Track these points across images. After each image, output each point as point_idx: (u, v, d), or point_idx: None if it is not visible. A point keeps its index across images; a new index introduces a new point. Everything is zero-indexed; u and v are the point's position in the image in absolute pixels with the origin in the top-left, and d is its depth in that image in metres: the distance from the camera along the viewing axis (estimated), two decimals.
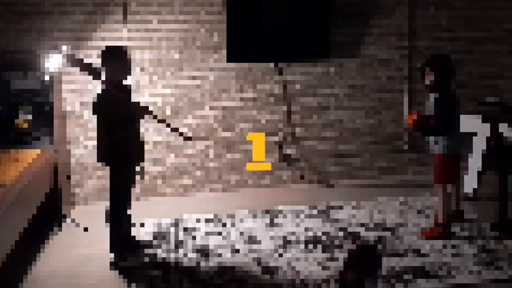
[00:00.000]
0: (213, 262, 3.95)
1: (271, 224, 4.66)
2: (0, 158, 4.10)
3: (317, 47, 5.54)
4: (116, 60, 3.87)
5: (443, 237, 4.22)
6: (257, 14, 5.43)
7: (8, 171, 3.72)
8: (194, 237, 4.41)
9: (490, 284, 3.58)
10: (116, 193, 3.96)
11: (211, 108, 5.61)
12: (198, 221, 4.78)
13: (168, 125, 4.12)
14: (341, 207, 5.06)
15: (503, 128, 4.61)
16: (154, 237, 4.42)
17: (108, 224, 4.00)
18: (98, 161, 4.01)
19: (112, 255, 4.01)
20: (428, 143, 4.37)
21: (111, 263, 3.94)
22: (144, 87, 5.43)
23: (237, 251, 4.14)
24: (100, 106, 3.82)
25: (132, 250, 4.11)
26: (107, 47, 4.01)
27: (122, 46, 4.08)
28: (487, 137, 4.84)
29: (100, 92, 3.89)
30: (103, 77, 3.84)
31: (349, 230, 4.50)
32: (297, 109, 5.75)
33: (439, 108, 4.14)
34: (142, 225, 4.57)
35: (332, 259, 3.94)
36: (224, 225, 4.68)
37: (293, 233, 4.45)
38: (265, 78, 5.67)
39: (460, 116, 5.07)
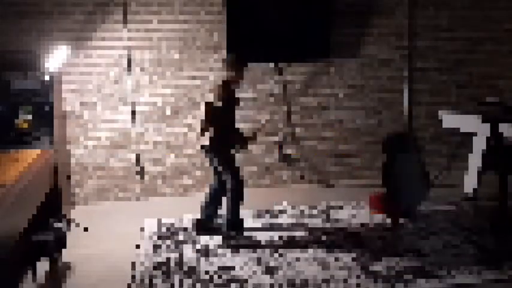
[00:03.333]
0: (213, 262, 3.95)
1: (271, 224, 4.66)
2: (0, 158, 4.10)
3: (317, 47, 5.53)
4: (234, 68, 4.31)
5: None
6: (257, 14, 5.43)
7: (8, 171, 3.72)
8: (194, 237, 4.41)
9: (490, 284, 3.57)
10: (233, 177, 4.28)
11: None
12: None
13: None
14: (341, 207, 5.06)
15: (503, 128, 4.61)
16: (159, 238, 4.43)
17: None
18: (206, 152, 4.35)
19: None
20: None
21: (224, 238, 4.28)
22: (144, 87, 5.44)
23: (237, 251, 4.14)
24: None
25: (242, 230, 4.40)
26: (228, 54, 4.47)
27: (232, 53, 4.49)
28: (487, 137, 4.84)
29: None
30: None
31: (349, 230, 4.50)
32: (297, 109, 5.75)
33: None
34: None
35: (332, 259, 3.94)
36: None
37: (293, 233, 4.45)
38: (265, 78, 5.67)
39: (460, 115, 5.08)
